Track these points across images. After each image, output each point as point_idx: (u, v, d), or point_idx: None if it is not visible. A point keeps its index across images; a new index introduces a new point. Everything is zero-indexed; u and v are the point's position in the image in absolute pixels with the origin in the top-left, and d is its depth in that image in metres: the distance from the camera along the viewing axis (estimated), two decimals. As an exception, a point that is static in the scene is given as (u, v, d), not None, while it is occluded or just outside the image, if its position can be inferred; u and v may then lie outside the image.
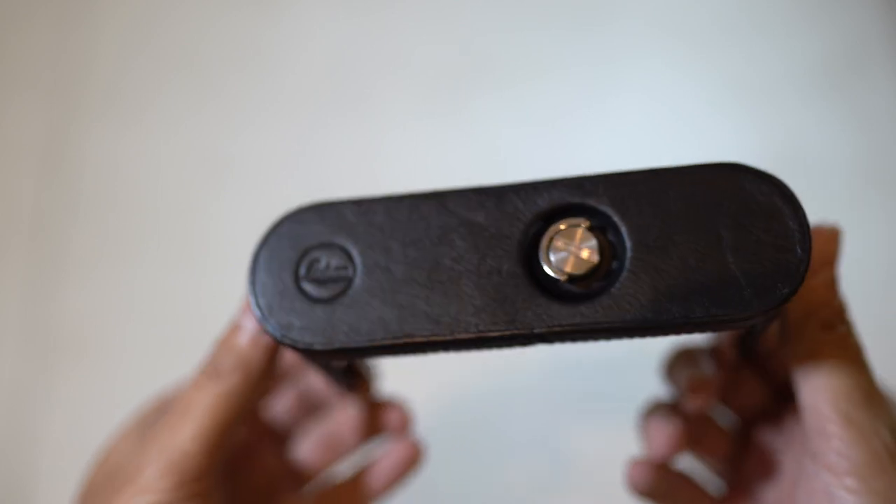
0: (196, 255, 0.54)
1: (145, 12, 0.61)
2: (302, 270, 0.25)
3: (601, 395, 0.48)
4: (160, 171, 0.57)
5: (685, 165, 0.23)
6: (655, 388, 0.36)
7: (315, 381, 0.34)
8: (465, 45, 0.57)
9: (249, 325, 0.27)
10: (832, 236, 0.24)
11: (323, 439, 0.33)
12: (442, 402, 0.48)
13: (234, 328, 0.28)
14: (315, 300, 0.25)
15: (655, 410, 0.32)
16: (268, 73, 0.58)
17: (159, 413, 0.30)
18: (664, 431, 0.30)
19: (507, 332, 0.23)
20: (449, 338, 0.24)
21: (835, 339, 0.24)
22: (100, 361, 0.53)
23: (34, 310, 0.54)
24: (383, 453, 0.34)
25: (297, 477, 0.33)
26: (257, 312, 0.25)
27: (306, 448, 0.33)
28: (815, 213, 0.52)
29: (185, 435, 0.26)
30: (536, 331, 0.23)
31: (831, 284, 0.24)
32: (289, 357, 0.33)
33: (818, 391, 0.23)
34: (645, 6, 0.57)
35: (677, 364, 0.31)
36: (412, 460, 0.34)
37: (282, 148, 0.56)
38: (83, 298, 0.54)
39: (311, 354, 0.25)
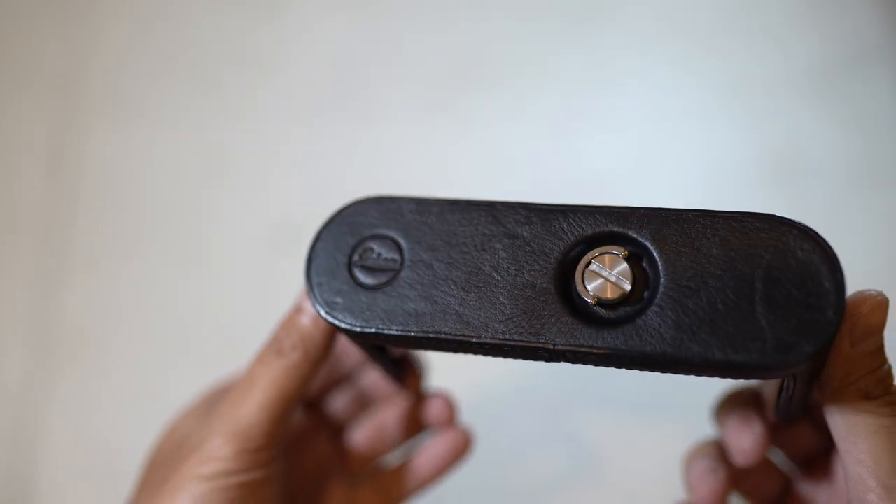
0: (198, 254, 0.55)
1: (147, 14, 0.61)
2: (356, 256, 0.27)
3: (621, 392, 0.48)
4: (162, 171, 0.57)
5: (732, 211, 0.24)
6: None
7: (373, 379, 0.36)
8: (465, 45, 0.57)
9: (311, 308, 0.29)
10: (880, 305, 0.24)
11: (373, 429, 0.35)
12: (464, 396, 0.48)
13: (297, 309, 0.29)
14: (361, 285, 0.26)
15: (700, 455, 0.32)
16: (269, 74, 0.58)
17: (223, 393, 0.32)
18: (709, 483, 0.31)
19: (530, 344, 0.24)
20: (475, 340, 0.25)
21: (876, 408, 0.24)
22: (101, 360, 0.53)
23: (37, 309, 0.54)
24: (431, 442, 0.36)
25: (348, 465, 0.35)
26: (308, 287, 0.27)
27: (357, 437, 0.35)
28: (814, 213, 0.52)
29: (250, 406, 0.28)
30: (558, 347, 0.24)
31: (876, 353, 0.24)
32: (351, 353, 0.34)
33: (860, 461, 0.24)
34: (645, 7, 0.57)
35: (727, 410, 0.31)
36: (460, 449, 0.35)
37: (283, 148, 0.56)
38: (85, 298, 0.54)
39: (350, 335, 0.27)
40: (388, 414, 0.35)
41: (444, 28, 0.58)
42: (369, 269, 0.26)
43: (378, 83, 0.57)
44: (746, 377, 0.23)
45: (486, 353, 0.25)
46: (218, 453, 0.27)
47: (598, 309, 0.24)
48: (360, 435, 0.35)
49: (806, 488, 0.32)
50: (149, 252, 0.55)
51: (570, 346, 0.24)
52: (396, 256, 0.26)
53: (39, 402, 0.52)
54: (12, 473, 0.51)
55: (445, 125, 0.56)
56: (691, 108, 0.54)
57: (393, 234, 0.27)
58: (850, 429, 0.24)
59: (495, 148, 0.55)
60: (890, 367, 0.24)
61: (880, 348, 0.24)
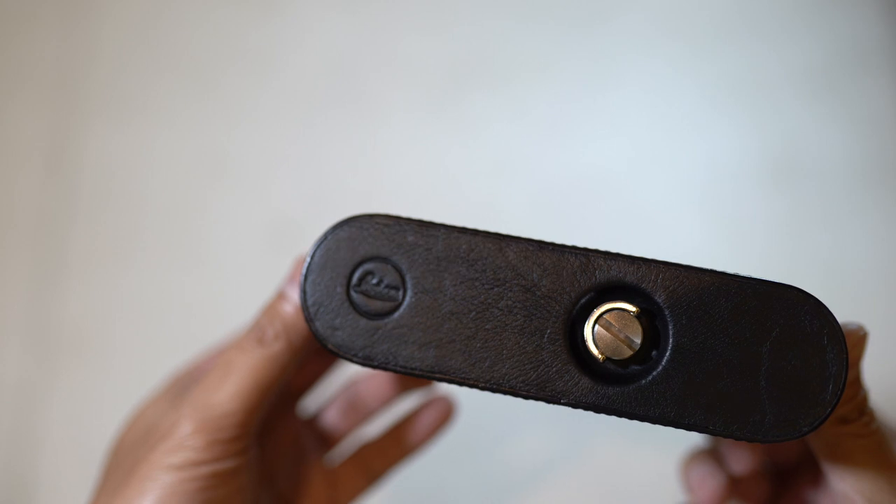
0: (197, 254, 0.55)
1: (146, 13, 0.61)
2: (355, 279, 0.25)
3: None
4: (161, 171, 0.57)
5: (750, 278, 0.23)
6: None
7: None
8: (463, 44, 0.57)
9: (295, 296, 0.28)
10: (860, 340, 0.25)
11: (346, 403, 0.34)
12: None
13: (280, 297, 0.28)
14: (362, 312, 0.25)
15: (698, 460, 0.32)
16: (268, 73, 0.58)
17: (191, 378, 0.30)
18: (708, 486, 0.31)
19: (536, 396, 0.24)
20: (480, 385, 0.24)
21: (854, 430, 0.24)
22: (101, 361, 0.53)
23: (36, 309, 0.54)
24: (413, 411, 0.35)
25: (324, 442, 0.34)
26: (306, 310, 0.25)
27: (331, 414, 0.34)
28: (814, 214, 0.52)
29: (224, 394, 0.26)
30: (562, 401, 0.24)
31: (854, 384, 0.25)
32: None
33: (844, 480, 0.24)
34: (644, 6, 0.57)
35: (689, 464, 0.32)
36: (442, 417, 0.34)
37: (282, 148, 0.56)
38: (84, 298, 0.54)
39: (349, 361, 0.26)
40: (362, 386, 0.34)
41: (444, 28, 0.58)
42: (368, 296, 0.25)
43: (378, 83, 0.57)
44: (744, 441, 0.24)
45: (493, 393, 0.25)
46: (188, 442, 0.26)
47: (605, 363, 0.24)
48: (334, 409, 0.34)
49: (800, 492, 0.32)
50: (148, 251, 0.55)
51: (574, 400, 0.24)
52: (398, 285, 0.25)
53: (39, 402, 0.52)
54: (11, 474, 0.51)
55: (445, 125, 0.56)
56: (691, 108, 0.54)
57: (395, 259, 0.25)
58: (831, 451, 0.25)
59: (495, 148, 0.55)
60: (866, 393, 0.25)
61: (857, 379, 0.25)
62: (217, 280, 0.54)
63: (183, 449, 0.26)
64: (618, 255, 0.24)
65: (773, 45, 0.55)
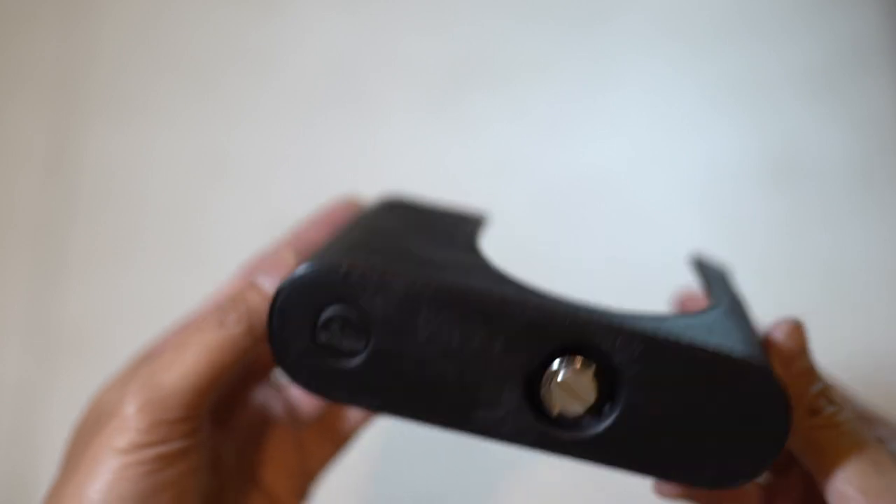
0: (197, 254, 0.55)
1: (146, 13, 0.61)
2: (321, 321, 0.25)
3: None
4: (161, 171, 0.57)
5: (707, 347, 0.24)
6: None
7: None
8: (463, 44, 0.57)
9: (264, 283, 0.28)
10: (795, 329, 0.25)
11: None
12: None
13: (248, 285, 0.28)
14: (326, 353, 0.25)
15: None
16: (268, 73, 0.58)
17: (148, 359, 0.30)
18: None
19: (493, 439, 0.25)
20: (440, 426, 0.25)
21: (824, 422, 0.25)
22: (101, 361, 0.53)
23: (36, 309, 0.54)
24: None
25: (293, 411, 0.33)
26: (274, 348, 0.25)
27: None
28: (813, 214, 0.52)
29: (174, 374, 0.26)
30: (514, 441, 0.25)
31: (806, 372, 0.25)
32: None
33: (826, 472, 0.24)
34: (644, 6, 0.57)
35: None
36: None
37: (282, 148, 0.56)
38: (84, 298, 0.54)
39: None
40: None
41: (444, 28, 0.58)
42: (333, 339, 0.25)
43: (378, 83, 0.57)
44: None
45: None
46: (131, 423, 0.25)
47: (559, 416, 0.24)
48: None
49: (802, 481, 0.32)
50: (148, 251, 0.55)
51: (527, 444, 0.25)
52: (362, 335, 0.25)
53: (39, 403, 0.52)
54: (11, 474, 0.51)
55: (445, 125, 0.56)
56: (691, 108, 0.54)
57: (357, 307, 0.24)
58: (808, 448, 0.25)
59: (495, 148, 0.55)
60: (826, 384, 0.26)
61: (812, 367, 0.25)
62: (216, 279, 0.54)
63: (127, 430, 0.25)
64: (578, 307, 0.24)
65: (773, 45, 0.55)
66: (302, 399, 0.33)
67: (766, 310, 0.49)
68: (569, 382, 0.24)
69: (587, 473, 0.45)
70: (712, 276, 0.33)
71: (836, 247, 0.50)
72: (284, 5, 0.60)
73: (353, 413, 0.34)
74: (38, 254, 0.55)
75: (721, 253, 0.51)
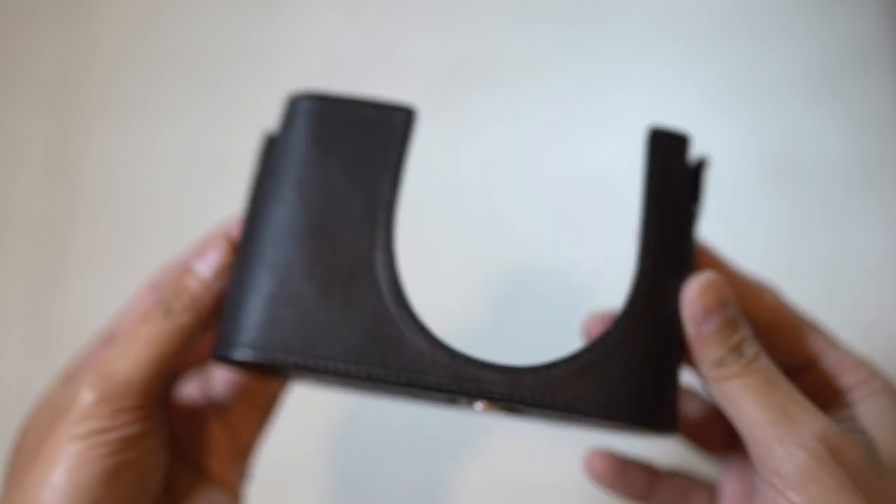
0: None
1: (147, 14, 0.61)
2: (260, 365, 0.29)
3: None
4: (161, 171, 0.57)
5: (561, 407, 0.27)
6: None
7: None
8: (463, 44, 0.57)
9: (200, 269, 0.30)
10: (708, 286, 0.26)
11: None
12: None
13: (185, 271, 0.30)
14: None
15: None
16: (268, 73, 0.58)
17: (80, 364, 0.31)
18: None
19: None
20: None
21: (733, 373, 0.26)
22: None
23: (37, 309, 0.54)
24: None
25: (215, 396, 0.34)
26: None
27: (220, 374, 0.35)
28: (813, 214, 0.52)
29: (128, 364, 0.28)
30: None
31: (723, 328, 0.26)
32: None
33: (740, 422, 0.25)
34: (644, 6, 0.57)
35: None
36: None
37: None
38: (85, 298, 0.54)
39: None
40: None
41: (444, 28, 0.58)
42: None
43: (378, 83, 0.57)
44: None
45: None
46: (91, 412, 0.27)
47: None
48: (220, 374, 0.35)
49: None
50: (149, 252, 0.55)
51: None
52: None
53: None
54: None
55: (445, 125, 0.56)
56: (691, 108, 0.54)
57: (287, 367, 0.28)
58: (724, 401, 0.26)
59: (495, 148, 0.55)
60: (743, 336, 0.26)
61: (729, 322, 0.26)
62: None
63: (87, 419, 0.27)
64: (468, 386, 0.27)
65: (773, 45, 0.55)
66: (218, 383, 0.34)
67: (766, 310, 0.49)
68: (485, 408, 0.29)
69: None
70: (664, 185, 0.30)
71: (836, 247, 0.50)
72: (284, 5, 0.60)
73: (271, 385, 0.35)
74: (39, 253, 0.56)
75: (721, 253, 0.51)
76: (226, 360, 0.28)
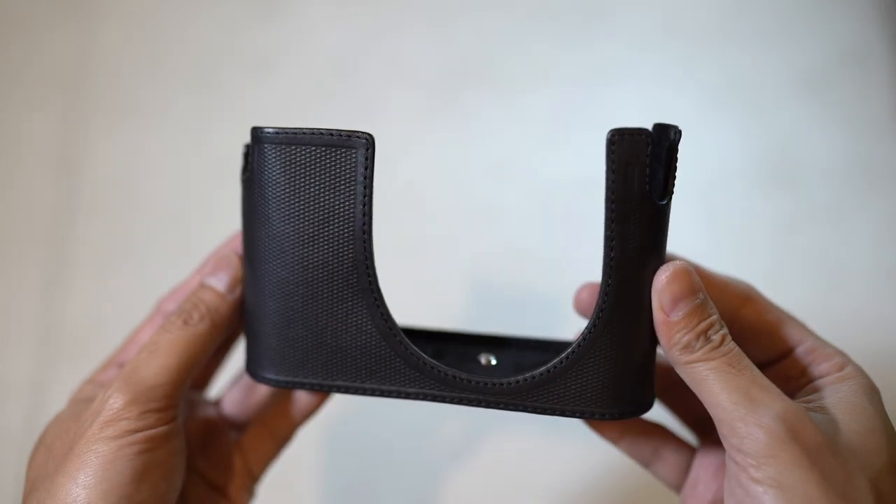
0: (203, 255, 0.55)
1: (151, 16, 0.61)
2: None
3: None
4: (167, 172, 0.57)
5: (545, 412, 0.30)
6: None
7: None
8: (464, 44, 0.57)
9: (216, 284, 0.32)
10: (676, 274, 0.27)
11: (245, 385, 0.36)
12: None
13: (201, 286, 0.32)
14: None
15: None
16: (268, 73, 0.58)
17: (94, 386, 0.33)
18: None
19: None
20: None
21: (699, 357, 0.27)
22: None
23: (45, 309, 0.54)
24: None
25: (229, 422, 0.36)
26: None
27: (232, 395, 0.36)
28: (812, 214, 0.52)
29: (154, 369, 0.30)
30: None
31: (692, 314, 0.27)
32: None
33: (708, 403, 0.27)
34: (644, 6, 0.57)
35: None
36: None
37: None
38: (92, 298, 0.54)
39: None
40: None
41: (444, 28, 0.58)
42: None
43: (378, 83, 0.57)
44: None
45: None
46: (123, 414, 0.29)
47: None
48: (235, 391, 0.36)
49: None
50: (155, 252, 0.55)
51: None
52: None
53: (48, 402, 0.52)
54: (22, 474, 0.51)
55: (445, 125, 0.56)
56: (691, 108, 0.54)
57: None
58: (692, 383, 0.27)
59: (495, 148, 0.55)
60: (710, 321, 0.27)
61: (697, 308, 0.27)
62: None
63: (118, 420, 0.28)
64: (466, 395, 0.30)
65: (773, 46, 0.55)
66: (238, 407, 0.36)
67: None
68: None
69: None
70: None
71: (836, 247, 0.50)
72: (284, 5, 0.60)
73: (288, 410, 0.36)
74: (47, 254, 0.56)
75: (721, 252, 0.51)
76: (254, 378, 0.32)
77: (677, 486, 0.34)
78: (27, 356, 0.53)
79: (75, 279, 0.55)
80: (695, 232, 0.51)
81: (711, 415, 0.27)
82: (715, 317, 0.28)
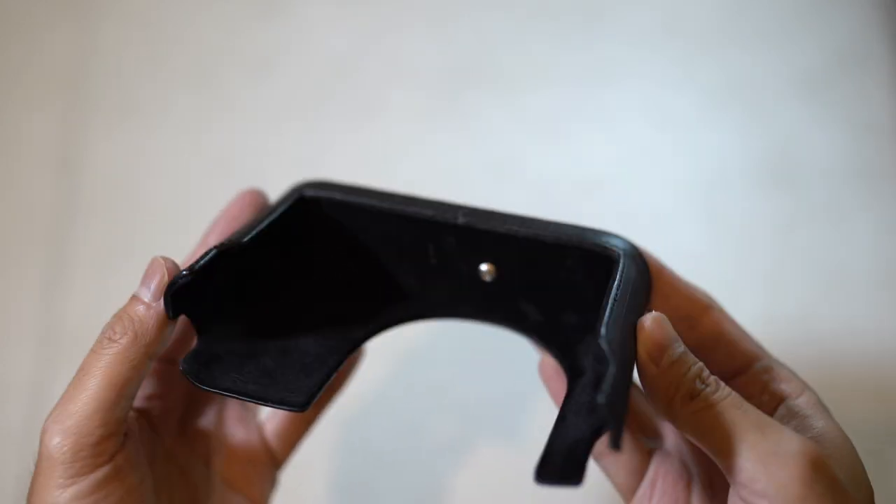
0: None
1: (151, 15, 0.61)
2: None
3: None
4: (168, 172, 0.57)
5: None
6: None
7: None
8: (464, 44, 0.57)
9: (142, 293, 0.29)
10: (654, 322, 0.26)
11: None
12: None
13: (132, 300, 0.30)
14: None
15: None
16: (268, 73, 0.58)
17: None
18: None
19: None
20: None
21: (703, 404, 0.25)
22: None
23: (45, 310, 0.54)
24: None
25: (269, 454, 0.35)
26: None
27: (271, 427, 0.35)
28: (812, 215, 0.52)
29: (82, 399, 0.27)
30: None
31: (676, 362, 0.26)
32: None
33: (716, 449, 0.25)
34: (644, 7, 0.57)
35: None
36: (350, 362, 0.37)
37: (285, 147, 0.57)
38: (93, 299, 0.54)
39: None
40: None
41: (444, 28, 0.58)
42: None
43: (378, 83, 0.57)
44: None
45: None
46: (56, 457, 0.26)
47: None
48: (271, 426, 0.35)
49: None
50: (155, 252, 0.55)
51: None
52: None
53: (48, 403, 0.52)
54: (22, 474, 0.51)
55: (445, 125, 0.56)
56: (690, 108, 0.54)
57: None
58: (696, 431, 0.26)
59: (495, 148, 0.55)
60: (700, 365, 0.26)
61: (682, 355, 0.26)
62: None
63: (56, 465, 0.26)
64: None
65: (773, 46, 0.55)
66: (277, 442, 0.35)
67: (766, 310, 0.49)
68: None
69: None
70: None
71: (836, 247, 0.50)
72: (284, 5, 0.60)
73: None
74: (48, 254, 0.56)
75: (721, 252, 0.51)
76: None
77: (624, 487, 0.32)
78: (27, 356, 0.53)
79: (75, 279, 0.55)
80: (695, 232, 0.51)
81: (721, 462, 0.25)
82: (696, 359, 0.27)
